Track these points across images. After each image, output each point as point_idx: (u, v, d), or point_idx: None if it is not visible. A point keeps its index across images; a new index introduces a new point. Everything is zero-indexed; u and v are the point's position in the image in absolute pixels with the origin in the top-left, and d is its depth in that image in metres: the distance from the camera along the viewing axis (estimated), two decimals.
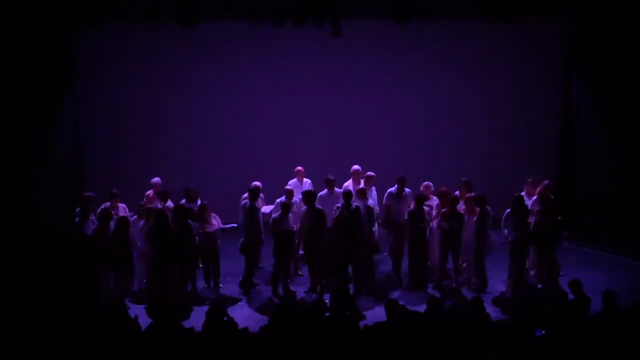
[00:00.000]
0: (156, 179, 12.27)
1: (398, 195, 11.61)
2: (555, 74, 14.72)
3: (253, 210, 11.31)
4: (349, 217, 10.90)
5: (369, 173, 12.18)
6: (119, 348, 7.04)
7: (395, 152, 14.33)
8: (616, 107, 13.15)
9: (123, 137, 14.62)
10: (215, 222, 11.28)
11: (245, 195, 11.60)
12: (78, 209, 11.22)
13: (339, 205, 11.05)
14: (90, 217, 10.99)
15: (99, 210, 11.12)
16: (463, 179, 11.85)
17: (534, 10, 12.77)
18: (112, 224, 10.58)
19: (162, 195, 11.69)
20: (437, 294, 10.66)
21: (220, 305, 8.08)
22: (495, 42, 14.26)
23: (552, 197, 11.40)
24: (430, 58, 14.59)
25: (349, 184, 12.16)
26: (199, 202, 11.55)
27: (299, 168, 12.73)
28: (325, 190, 11.81)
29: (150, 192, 12.10)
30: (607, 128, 13.48)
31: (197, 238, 10.85)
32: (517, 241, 10.69)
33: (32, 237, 9.46)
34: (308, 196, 11.09)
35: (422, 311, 8.03)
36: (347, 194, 11.05)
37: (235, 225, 11.58)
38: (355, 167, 12.36)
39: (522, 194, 11.69)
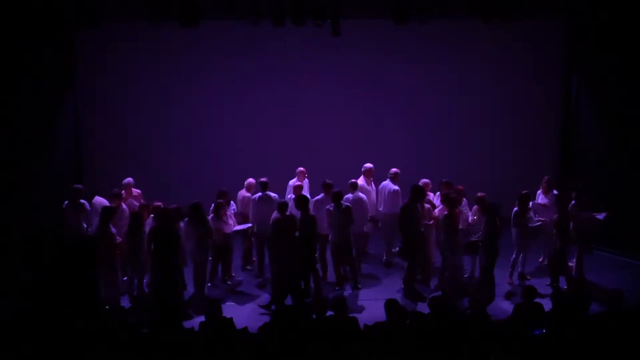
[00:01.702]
0: (129, 179, 12.20)
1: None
2: (555, 74, 14.75)
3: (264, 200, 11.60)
4: (340, 217, 10.95)
5: (393, 170, 12.30)
6: (119, 348, 7.03)
7: (394, 152, 14.29)
8: (616, 107, 13.15)
9: (123, 137, 14.61)
10: (231, 221, 11.34)
11: (242, 191, 12.08)
12: (66, 203, 11.28)
13: (330, 207, 11.10)
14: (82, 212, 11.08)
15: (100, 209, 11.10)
16: (443, 179, 11.84)
17: (534, 9, 12.78)
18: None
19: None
20: (439, 293, 10.70)
21: (216, 304, 8.06)
22: (495, 41, 14.28)
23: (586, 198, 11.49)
24: (430, 57, 14.61)
25: (362, 181, 12.26)
26: (232, 204, 11.64)
27: (301, 169, 12.76)
28: (322, 195, 11.69)
29: (123, 191, 11.99)
30: (607, 128, 13.49)
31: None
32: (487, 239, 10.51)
33: (32, 237, 9.46)
34: (301, 201, 10.88)
35: (422, 310, 8.04)
36: (337, 195, 11.08)
37: (250, 225, 11.60)
38: (368, 165, 12.43)
39: (539, 192, 11.93)
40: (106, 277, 10.12)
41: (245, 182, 12.26)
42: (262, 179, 11.87)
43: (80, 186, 11.61)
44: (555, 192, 12.09)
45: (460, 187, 11.56)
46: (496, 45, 14.46)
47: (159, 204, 11.06)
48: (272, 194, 11.79)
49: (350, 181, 11.91)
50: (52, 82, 13.25)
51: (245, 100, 14.72)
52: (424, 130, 14.85)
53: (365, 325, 7.69)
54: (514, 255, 11.37)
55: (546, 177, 12.25)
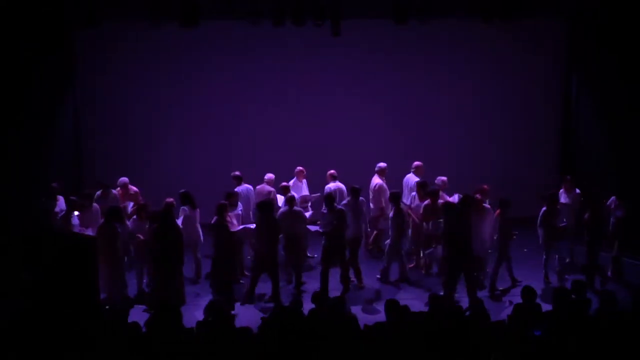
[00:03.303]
0: (123, 179, 12.21)
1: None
2: (555, 74, 14.77)
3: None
4: (335, 218, 10.85)
5: (416, 163, 12.53)
6: (119, 348, 7.03)
7: (394, 151, 14.28)
8: (616, 107, 13.16)
9: (123, 137, 14.62)
10: (236, 221, 11.36)
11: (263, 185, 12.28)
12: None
13: (323, 210, 11.06)
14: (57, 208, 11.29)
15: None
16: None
17: (534, 9, 12.79)
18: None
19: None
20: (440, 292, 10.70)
21: (218, 303, 8.06)
22: (495, 41, 14.32)
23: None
24: (430, 57, 14.63)
25: (378, 180, 12.32)
26: (239, 205, 11.60)
27: (299, 168, 12.77)
28: (349, 198, 11.50)
29: (120, 190, 12.04)
30: (608, 128, 13.51)
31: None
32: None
33: (32, 237, 9.45)
34: (263, 207, 10.80)
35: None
36: (329, 197, 11.06)
37: (253, 225, 11.60)
38: (382, 164, 12.49)
39: (561, 191, 11.90)
40: (107, 276, 10.11)
41: (265, 177, 12.35)
42: (236, 173, 12.21)
43: (55, 184, 11.71)
44: (577, 191, 11.98)
45: (485, 186, 11.40)
46: (496, 45, 14.48)
47: (171, 200, 11.07)
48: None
49: (329, 172, 12.38)
50: (52, 82, 13.26)
51: (246, 100, 14.71)
52: (424, 130, 14.85)
53: (365, 325, 7.69)
54: (544, 257, 11.21)
55: (569, 177, 12.21)
